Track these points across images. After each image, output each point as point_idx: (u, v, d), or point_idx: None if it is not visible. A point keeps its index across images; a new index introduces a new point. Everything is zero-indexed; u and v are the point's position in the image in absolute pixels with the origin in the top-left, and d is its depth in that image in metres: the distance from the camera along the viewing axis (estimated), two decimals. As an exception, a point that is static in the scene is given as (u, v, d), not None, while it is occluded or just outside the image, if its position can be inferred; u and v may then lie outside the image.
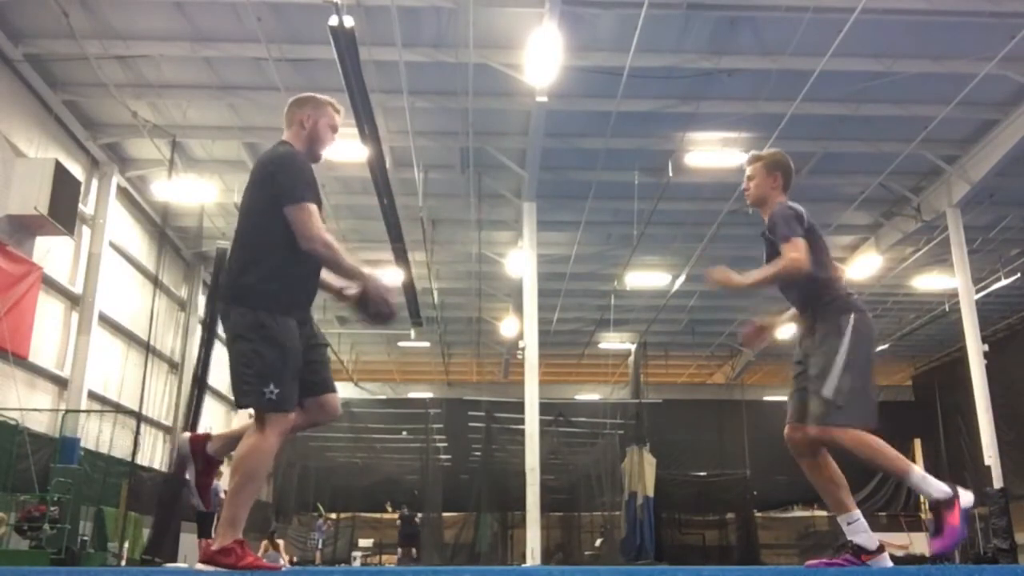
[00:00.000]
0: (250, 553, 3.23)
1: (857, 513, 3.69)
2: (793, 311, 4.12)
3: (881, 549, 3.63)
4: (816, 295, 3.84)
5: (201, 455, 3.58)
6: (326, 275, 3.51)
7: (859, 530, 3.65)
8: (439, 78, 12.82)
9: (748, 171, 4.14)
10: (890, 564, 3.66)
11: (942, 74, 12.58)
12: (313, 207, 3.28)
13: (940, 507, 3.51)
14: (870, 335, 3.77)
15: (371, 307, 3.40)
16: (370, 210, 14.47)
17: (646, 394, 23.00)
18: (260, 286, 3.26)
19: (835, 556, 3.76)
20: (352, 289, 3.45)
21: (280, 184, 3.30)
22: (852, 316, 3.69)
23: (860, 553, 3.62)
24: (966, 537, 3.47)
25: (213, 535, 15.48)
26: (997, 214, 16.80)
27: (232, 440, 3.54)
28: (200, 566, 3.23)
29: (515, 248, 17.92)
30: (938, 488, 3.52)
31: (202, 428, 16.70)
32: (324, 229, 3.28)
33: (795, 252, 3.69)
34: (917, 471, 3.57)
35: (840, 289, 3.86)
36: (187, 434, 3.65)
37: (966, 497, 3.52)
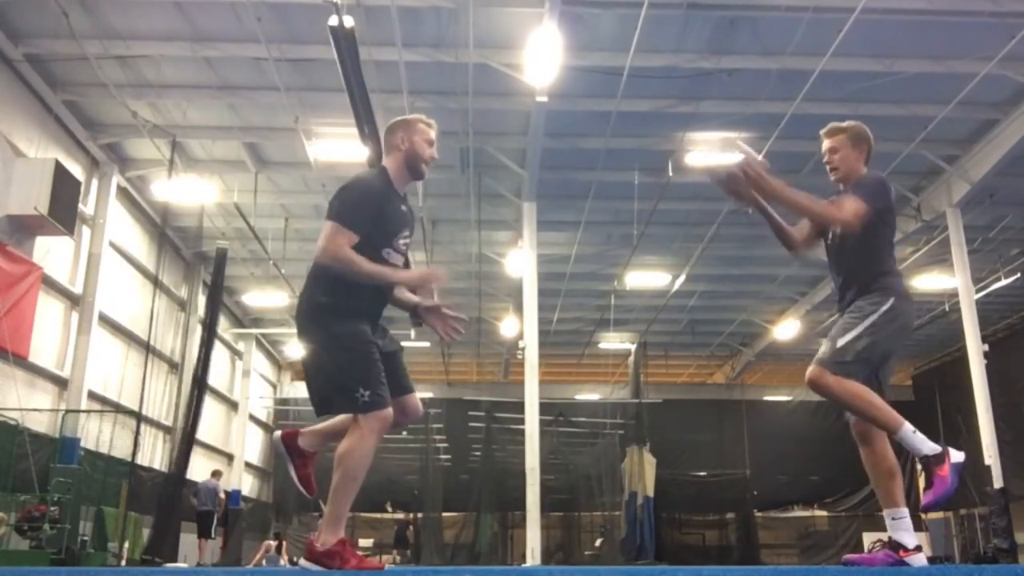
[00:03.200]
0: (353, 554, 3.34)
1: (905, 510, 3.67)
2: (803, 225, 4.04)
3: (919, 548, 3.63)
4: (867, 280, 3.73)
5: (295, 450, 3.68)
6: (398, 292, 3.74)
7: (903, 527, 3.64)
8: (439, 78, 12.82)
9: (829, 143, 3.87)
10: (924, 563, 3.64)
11: (942, 74, 12.57)
12: (338, 227, 3.36)
13: (930, 463, 3.52)
14: (903, 322, 3.69)
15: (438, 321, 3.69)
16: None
17: (646, 394, 23.02)
18: (327, 299, 3.41)
19: (873, 551, 3.78)
20: (424, 301, 3.75)
21: (333, 204, 3.46)
22: (892, 299, 3.64)
23: (899, 549, 3.61)
24: (957, 487, 3.49)
25: (213, 535, 15.39)
26: (997, 214, 16.79)
27: (322, 434, 3.69)
28: (305, 564, 3.33)
29: (515, 248, 17.91)
30: (929, 446, 3.53)
31: (202, 428, 16.72)
32: (342, 248, 3.35)
33: (851, 207, 3.58)
34: (908, 427, 3.54)
35: (893, 279, 3.76)
36: (278, 432, 3.77)
37: (956, 455, 3.54)
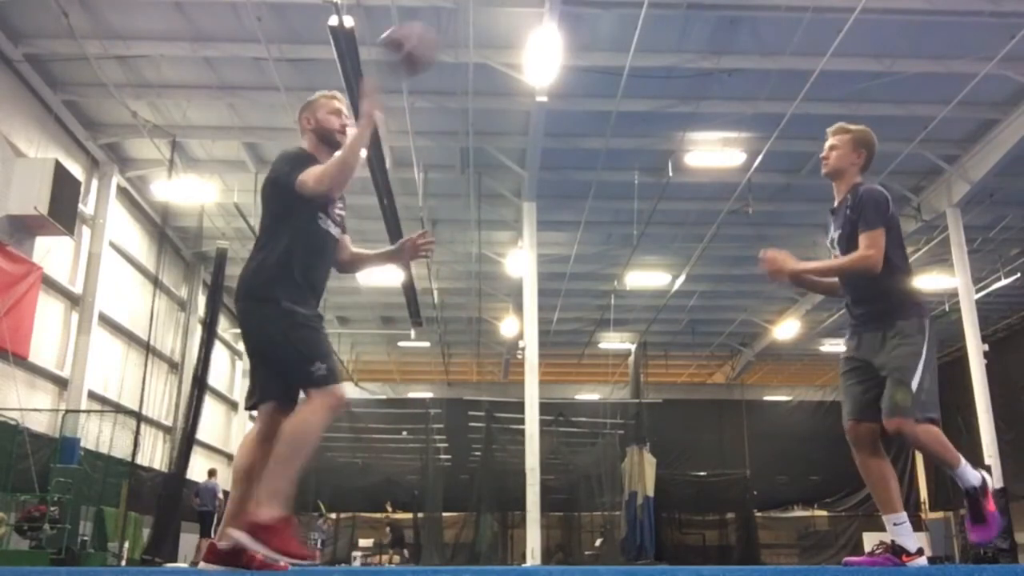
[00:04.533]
0: (293, 540, 3.05)
1: (904, 515, 3.70)
2: (830, 282, 4.07)
3: (920, 552, 3.65)
4: (889, 290, 3.74)
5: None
6: (362, 251, 3.79)
7: (903, 532, 3.66)
8: (439, 78, 12.81)
9: (832, 140, 3.95)
10: (925, 564, 3.66)
11: (942, 74, 12.58)
12: (303, 174, 3.34)
13: (977, 495, 3.58)
14: (936, 337, 3.80)
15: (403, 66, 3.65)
16: (370, 210, 14.46)
17: (646, 394, 23.00)
18: (277, 279, 3.34)
19: (875, 553, 3.74)
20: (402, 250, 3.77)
21: (279, 182, 3.42)
22: (926, 319, 3.71)
23: (901, 553, 3.62)
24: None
25: (213, 534, 15.39)
26: (997, 214, 16.79)
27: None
28: (238, 534, 3.04)
29: (515, 248, 17.92)
30: (976, 476, 3.62)
31: (202, 428, 16.69)
32: (311, 174, 3.34)
33: (873, 249, 3.62)
34: (964, 462, 3.66)
35: (913, 287, 3.82)
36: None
37: (989, 480, 3.69)
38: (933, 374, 3.64)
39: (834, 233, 3.90)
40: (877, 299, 3.76)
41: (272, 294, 3.31)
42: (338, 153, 3.44)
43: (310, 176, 3.33)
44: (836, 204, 3.91)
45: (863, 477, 3.82)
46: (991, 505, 3.56)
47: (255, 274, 3.39)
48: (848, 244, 3.80)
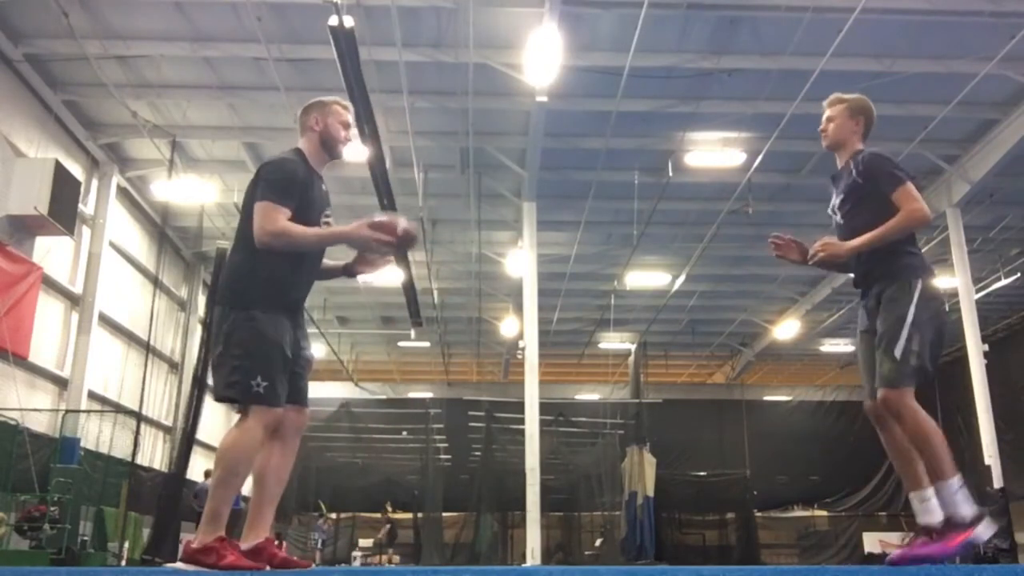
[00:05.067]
0: (231, 551, 3.20)
1: (931, 491, 3.43)
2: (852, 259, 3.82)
3: (976, 520, 3.38)
4: (877, 253, 3.60)
5: None
6: (325, 263, 3.65)
7: (929, 509, 3.42)
8: (439, 78, 12.82)
9: (828, 112, 3.86)
10: (983, 533, 3.41)
11: (942, 74, 12.58)
12: (271, 205, 3.29)
13: (953, 524, 3.34)
14: (938, 305, 3.60)
15: (381, 251, 3.48)
16: (370, 210, 14.39)
17: (646, 394, 22.99)
18: (251, 285, 3.33)
19: (911, 542, 3.52)
20: (359, 260, 3.63)
21: (259, 186, 3.38)
22: (918, 279, 3.52)
23: (931, 532, 3.40)
24: (945, 561, 3.34)
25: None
26: (997, 214, 16.79)
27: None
28: (181, 565, 3.22)
29: (515, 248, 17.92)
30: (969, 508, 3.34)
31: (202, 428, 16.70)
32: (277, 223, 3.28)
33: (915, 202, 3.47)
34: (958, 480, 3.38)
35: (905, 247, 3.61)
36: None
37: (986, 531, 3.35)
38: (926, 336, 3.45)
39: (835, 200, 3.80)
40: (869, 262, 3.65)
41: (240, 302, 3.30)
42: (309, 233, 3.36)
43: (267, 219, 3.27)
44: (839, 170, 3.83)
45: (889, 454, 3.64)
46: (957, 540, 3.29)
47: (228, 279, 3.40)
48: (850, 211, 3.71)
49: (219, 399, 3.39)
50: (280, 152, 3.65)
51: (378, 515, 23.19)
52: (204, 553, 3.16)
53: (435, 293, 20.40)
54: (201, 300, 19.04)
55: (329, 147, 3.63)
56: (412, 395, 27.96)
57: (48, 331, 13.83)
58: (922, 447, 3.44)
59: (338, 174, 15.08)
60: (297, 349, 3.43)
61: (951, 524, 3.36)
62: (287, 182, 3.38)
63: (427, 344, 25.06)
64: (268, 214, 3.28)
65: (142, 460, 15.50)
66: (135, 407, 15.27)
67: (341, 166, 14.71)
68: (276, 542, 3.46)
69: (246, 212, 3.44)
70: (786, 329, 23.34)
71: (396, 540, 21.79)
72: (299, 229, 3.32)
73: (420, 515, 22.37)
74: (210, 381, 16.43)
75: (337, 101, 3.68)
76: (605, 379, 27.44)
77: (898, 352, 3.43)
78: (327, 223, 3.59)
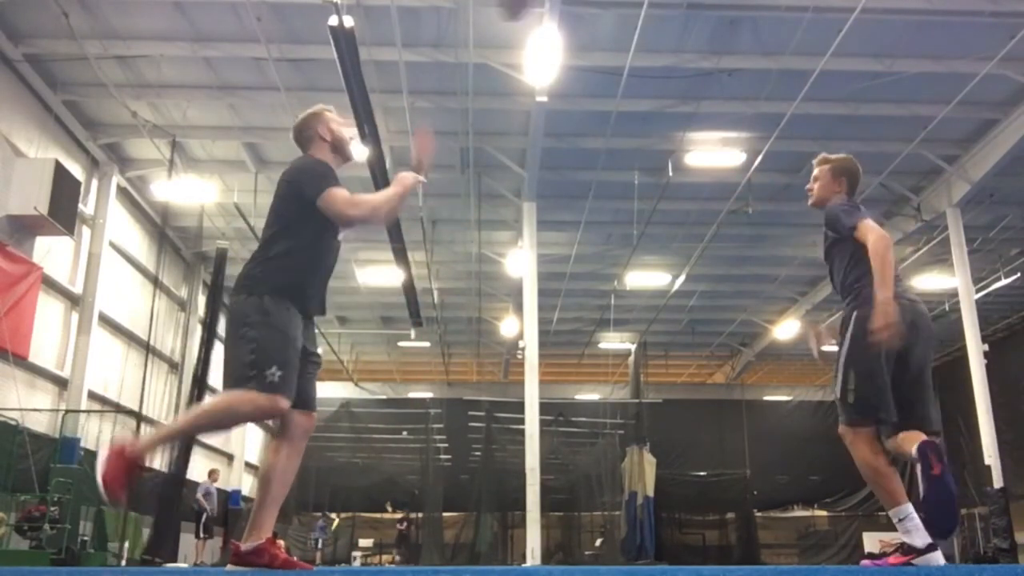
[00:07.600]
0: (122, 473, 3.27)
1: (908, 507, 3.52)
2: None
3: (932, 547, 3.48)
4: (843, 285, 3.84)
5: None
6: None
7: (909, 527, 3.50)
8: (439, 78, 12.82)
9: (815, 171, 4.14)
10: (941, 562, 3.50)
11: (942, 74, 12.57)
12: (332, 191, 3.41)
13: (903, 550, 3.49)
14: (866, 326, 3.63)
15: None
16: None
17: (646, 394, 23.01)
18: (268, 275, 3.37)
19: (886, 554, 3.67)
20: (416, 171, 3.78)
21: (304, 187, 3.45)
22: (856, 310, 3.67)
23: (910, 552, 3.48)
24: None
25: (202, 535, 15.14)
26: (997, 214, 16.79)
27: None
28: (231, 567, 3.32)
29: (515, 248, 17.91)
30: (920, 538, 3.45)
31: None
32: (349, 199, 3.42)
33: (874, 231, 3.64)
34: (907, 508, 3.50)
35: (866, 284, 3.69)
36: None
37: (934, 558, 3.42)
38: (861, 369, 3.56)
39: (822, 252, 4.09)
40: (843, 293, 3.87)
41: (258, 290, 3.33)
42: (386, 193, 3.57)
43: (343, 200, 3.39)
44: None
45: (862, 474, 3.74)
46: (899, 560, 3.41)
47: (251, 269, 3.43)
48: (828, 260, 3.99)
49: (231, 386, 3.35)
50: (295, 160, 3.70)
51: (378, 515, 23.23)
52: (256, 554, 3.29)
53: (435, 293, 20.41)
54: (201, 300, 19.03)
55: (343, 151, 3.74)
56: (412, 395, 27.96)
57: (48, 331, 13.83)
58: (868, 482, 3.66)
59: (338, 174, 15.08)
60: (306, 352, 3.44)
61: (905, 549, 3.55)
62: (329, 170, 3.55)
63: (427, 344, 25.07)
64: (336, 198, 3.39)
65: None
66: (135, 407, 15.27)
67: (340, 167, 14.73)
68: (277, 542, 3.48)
69: (271, 216, 3.49)
70: (786, 329, 23.33)
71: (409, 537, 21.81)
72: (370, 196, 3.53)
73: (420, 515, 22.39)
74: (212, 379, 16.49)
75: (325, 108, 3.77)
76: (605, 379, 27.45)
77: (837, 391, 3.67)
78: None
